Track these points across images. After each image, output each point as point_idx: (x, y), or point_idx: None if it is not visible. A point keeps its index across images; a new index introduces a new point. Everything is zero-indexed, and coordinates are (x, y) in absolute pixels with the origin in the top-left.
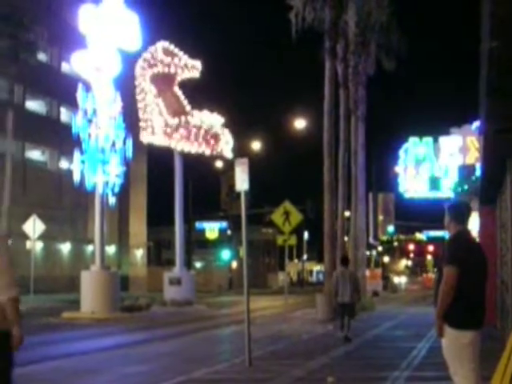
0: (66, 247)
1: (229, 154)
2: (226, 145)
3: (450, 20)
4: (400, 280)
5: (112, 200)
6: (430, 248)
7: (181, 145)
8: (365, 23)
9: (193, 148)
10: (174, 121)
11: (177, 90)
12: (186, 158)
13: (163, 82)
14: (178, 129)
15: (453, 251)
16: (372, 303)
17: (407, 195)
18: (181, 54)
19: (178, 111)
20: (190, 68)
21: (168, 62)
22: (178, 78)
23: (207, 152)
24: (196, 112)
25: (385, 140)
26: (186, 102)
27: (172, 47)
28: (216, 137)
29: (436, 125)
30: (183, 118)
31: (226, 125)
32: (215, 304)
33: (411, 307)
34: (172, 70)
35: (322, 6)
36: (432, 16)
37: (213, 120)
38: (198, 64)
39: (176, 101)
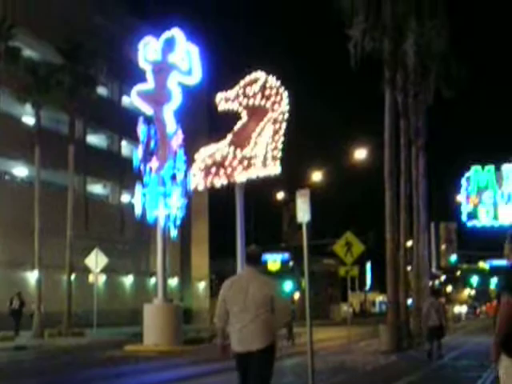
0: (128, 280)
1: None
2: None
3: (508, 45)
4: (461, 310)
5: (174, 233)
6: (494, 277)
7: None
8: (424, 53)
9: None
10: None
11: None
12: (248, 190)
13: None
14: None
15: (510, 279)
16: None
17: (469, 224)
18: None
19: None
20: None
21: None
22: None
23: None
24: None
25: (446, 169)
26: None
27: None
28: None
29: (497, 152)
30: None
31: (285, 156)
32: (278, 336)
33: (474, 337)
34: (240, 109)
35: (381, 36)
36: (488, 41)
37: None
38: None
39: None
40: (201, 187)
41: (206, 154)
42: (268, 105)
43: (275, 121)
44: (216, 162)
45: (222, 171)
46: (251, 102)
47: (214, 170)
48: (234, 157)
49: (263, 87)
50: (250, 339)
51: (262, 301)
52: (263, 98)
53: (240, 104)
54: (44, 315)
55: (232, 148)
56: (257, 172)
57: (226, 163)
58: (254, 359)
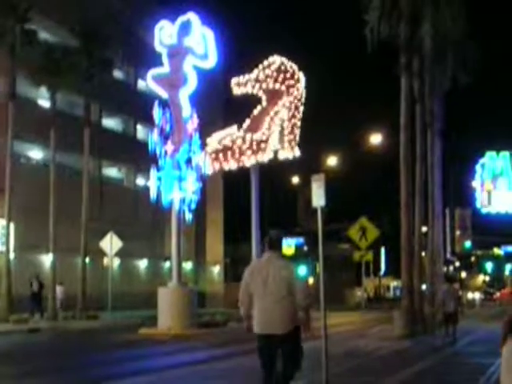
0: (143, 264)
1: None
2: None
3: None
4: (474, 296)
5: (188, 216)
6: (508, 263)
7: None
8: (441, 38)
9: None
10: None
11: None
12: (263, 174)
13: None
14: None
15: None
16: None
17: (484, 210)
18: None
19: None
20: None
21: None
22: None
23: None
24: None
25: (462, 155)
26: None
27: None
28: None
29: None
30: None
31: (301, 140)
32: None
33: (488, 323)
34: (260, 93)
35: (398, 21)
36: (508, 27)
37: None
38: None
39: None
40: (209, 171)
41: (216, 138)
42: (283, 88)
43: (291, 104)
44: (225, 146)
45: (230, 155)
46: (266, 85)
47: (222, 154)
48: (244, 141)
49: (279, 70)
50: (273, 322)
51: (282, 284)
52: (279, 81)
53: (256, 88)
54: (64, 298)
55: (242, 132)
56: (268, 156)
57: (235, 147)
58: (280, 343)
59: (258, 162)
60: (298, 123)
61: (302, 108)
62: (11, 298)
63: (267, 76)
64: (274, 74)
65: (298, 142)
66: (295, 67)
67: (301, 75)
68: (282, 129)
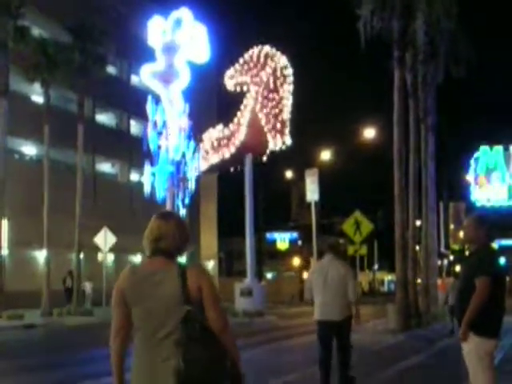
0: (137, 259)
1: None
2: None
3: None
4: None
5: (182, 211)
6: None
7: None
8: (433, 31)
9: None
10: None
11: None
12: (256, 168)
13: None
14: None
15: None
16: (444, 312)
17: (478, 204)
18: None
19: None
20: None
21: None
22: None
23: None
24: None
25: (455, 149)
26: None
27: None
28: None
29: (507, 133)
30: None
31: (295, 136)
32: (286, 314)
33: None
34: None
35: (390, 16)
36: (500, 21)
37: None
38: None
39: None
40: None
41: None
42: (247, 78)
43: (260, 93)
44: (205, 145)
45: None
46: (242, 78)
47: (204, 152)
48: (217, 138)
49: (245, 61)
50: (332, 310)
51: (339, 280)
52: (243, 73)
53: (238, 81)
54: (90, 293)
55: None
56: (230, 152)
57: (207, 146)
58: (336, 329)
59: (223, 159)
60: (283, 111)
61: (286, 98)
62: (5, 294)
63: (239, 69)
64: (239, 66)
65: (288, 130)
66: (264, 52)
67: (270, 60)
68: (259, 119)
